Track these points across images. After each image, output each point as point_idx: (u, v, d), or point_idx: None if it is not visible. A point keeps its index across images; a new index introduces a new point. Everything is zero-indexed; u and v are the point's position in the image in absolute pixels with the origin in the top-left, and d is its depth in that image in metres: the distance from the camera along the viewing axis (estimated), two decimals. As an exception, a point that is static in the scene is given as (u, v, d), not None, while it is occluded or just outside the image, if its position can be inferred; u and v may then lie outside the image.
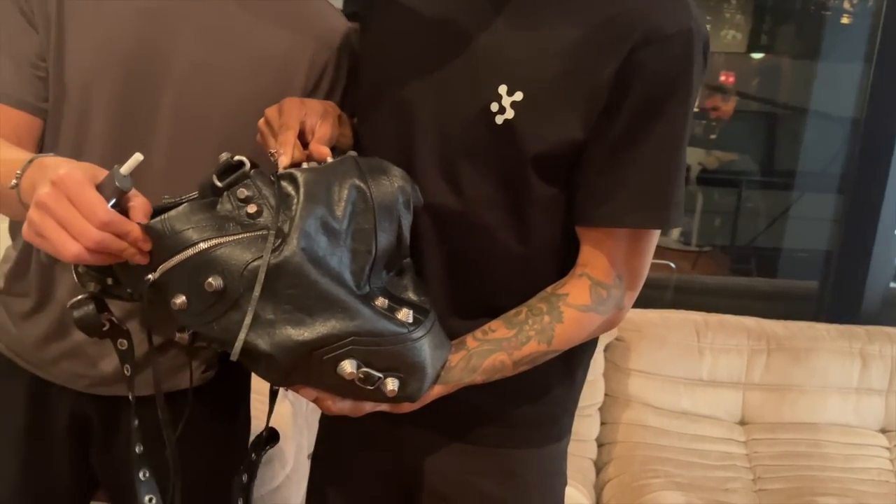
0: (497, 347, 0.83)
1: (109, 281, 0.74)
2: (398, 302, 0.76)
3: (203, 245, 0.68)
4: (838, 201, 2.55)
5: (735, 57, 3.58)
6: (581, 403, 2.10)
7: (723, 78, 3.60)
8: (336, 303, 0.70)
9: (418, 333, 0.73)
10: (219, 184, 0.72)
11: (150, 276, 0.69)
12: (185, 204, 0.71)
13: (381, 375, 0.72)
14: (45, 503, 1.05)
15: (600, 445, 2.11)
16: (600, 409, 2.10)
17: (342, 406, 0.77)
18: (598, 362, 2.05)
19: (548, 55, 0.79)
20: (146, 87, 0.87)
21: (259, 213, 0.70)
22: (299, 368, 0.72)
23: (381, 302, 0.74)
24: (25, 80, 0.87)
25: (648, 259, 0.87)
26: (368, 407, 0.78)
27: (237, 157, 0.74)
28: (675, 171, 0.81)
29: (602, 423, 2.11)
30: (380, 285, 0.77)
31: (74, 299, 0.76)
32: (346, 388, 0.73)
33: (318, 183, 0.72)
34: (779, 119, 3.46)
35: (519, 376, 0.86)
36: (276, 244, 0.68)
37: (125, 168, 0.67)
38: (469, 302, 0.87)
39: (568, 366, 0.94)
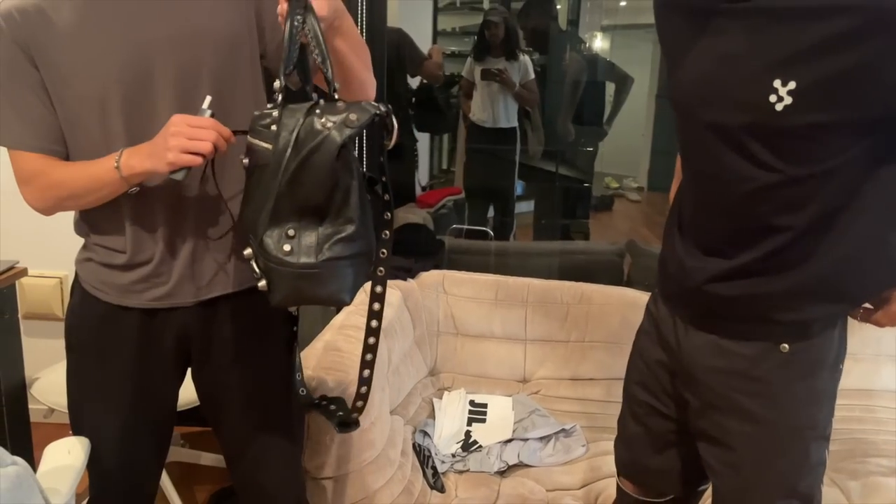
0: None
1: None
2: (298, 241, 1.03)
3: (253, 141, 1.04)
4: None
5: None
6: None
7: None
8: (265, 213, 1.01)
9: (286, 263, 1.01)
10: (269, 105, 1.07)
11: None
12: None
13: (259, 274, 1.03)
14: (153, 422, 1.28)
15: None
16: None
17: None
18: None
19: None
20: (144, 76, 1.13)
21: (276, 134, 1.04)
22: (246, 237, 1.05)
23: (289, 231, 1.02)
24: (32, 127, 1.12)
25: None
26: None
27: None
28: None
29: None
30: (312, 226, 1.03)
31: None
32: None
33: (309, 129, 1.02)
34: None
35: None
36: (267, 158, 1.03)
37: (205, 104, 1.10)
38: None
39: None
